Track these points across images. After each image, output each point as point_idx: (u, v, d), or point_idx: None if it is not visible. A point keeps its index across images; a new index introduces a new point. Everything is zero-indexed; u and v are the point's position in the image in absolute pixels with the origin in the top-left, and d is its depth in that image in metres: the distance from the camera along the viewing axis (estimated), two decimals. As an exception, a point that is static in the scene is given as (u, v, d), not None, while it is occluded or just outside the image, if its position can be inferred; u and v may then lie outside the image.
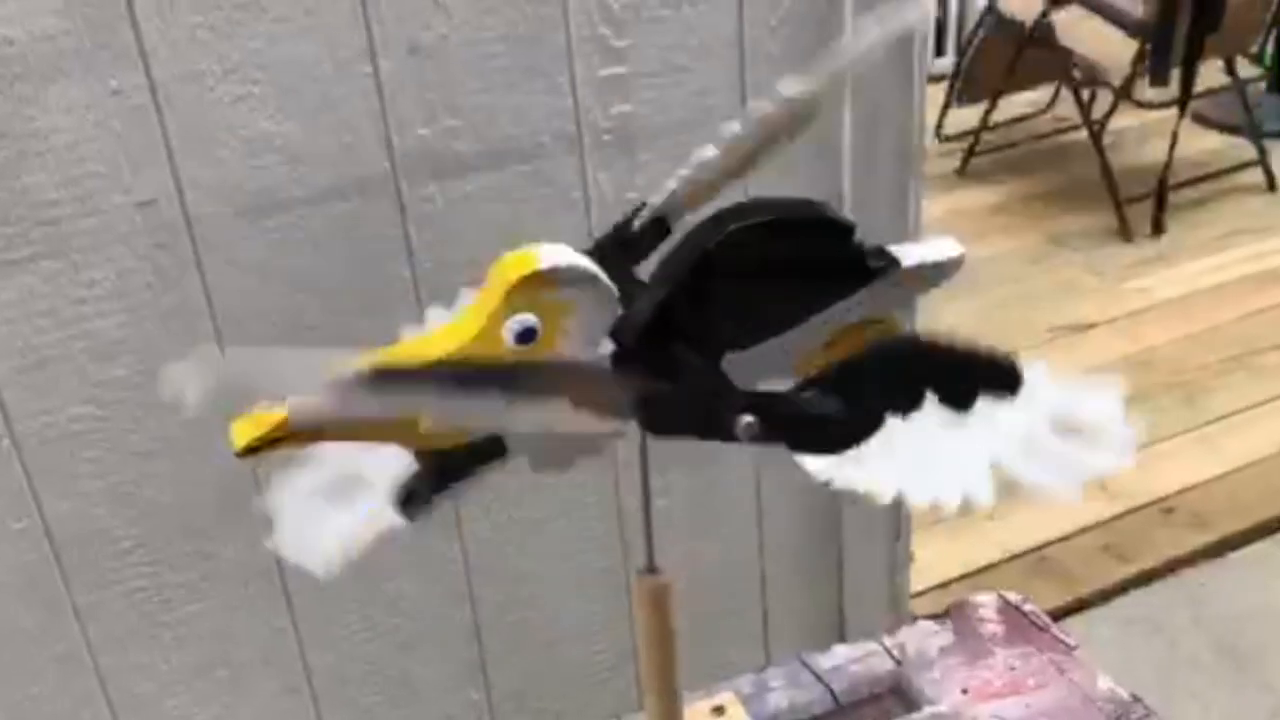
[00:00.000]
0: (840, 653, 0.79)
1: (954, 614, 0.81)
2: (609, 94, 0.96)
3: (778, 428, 0.46)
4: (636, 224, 0.49)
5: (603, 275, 0.44)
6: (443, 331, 0.44)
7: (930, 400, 0.46)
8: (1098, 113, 2.89)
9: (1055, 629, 0.79)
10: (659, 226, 0.49)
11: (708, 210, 0.47)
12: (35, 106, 0.80)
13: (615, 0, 0.93)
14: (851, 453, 0.46)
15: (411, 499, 0.48)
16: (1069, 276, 2.73)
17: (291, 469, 0.49)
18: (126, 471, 0.93)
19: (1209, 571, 1.82)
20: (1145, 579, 1.80)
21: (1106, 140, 2.89)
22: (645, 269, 0.48)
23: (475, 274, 0.45)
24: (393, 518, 0.48)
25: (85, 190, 0.84)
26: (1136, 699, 0.73)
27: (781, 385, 0.47)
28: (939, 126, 3.27)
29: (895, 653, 0.78)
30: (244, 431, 0.43)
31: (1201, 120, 3.29)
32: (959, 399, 0.46)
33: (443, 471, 0.47)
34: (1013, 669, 0.76)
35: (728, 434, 0.46)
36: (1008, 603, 0.82)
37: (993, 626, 0.80)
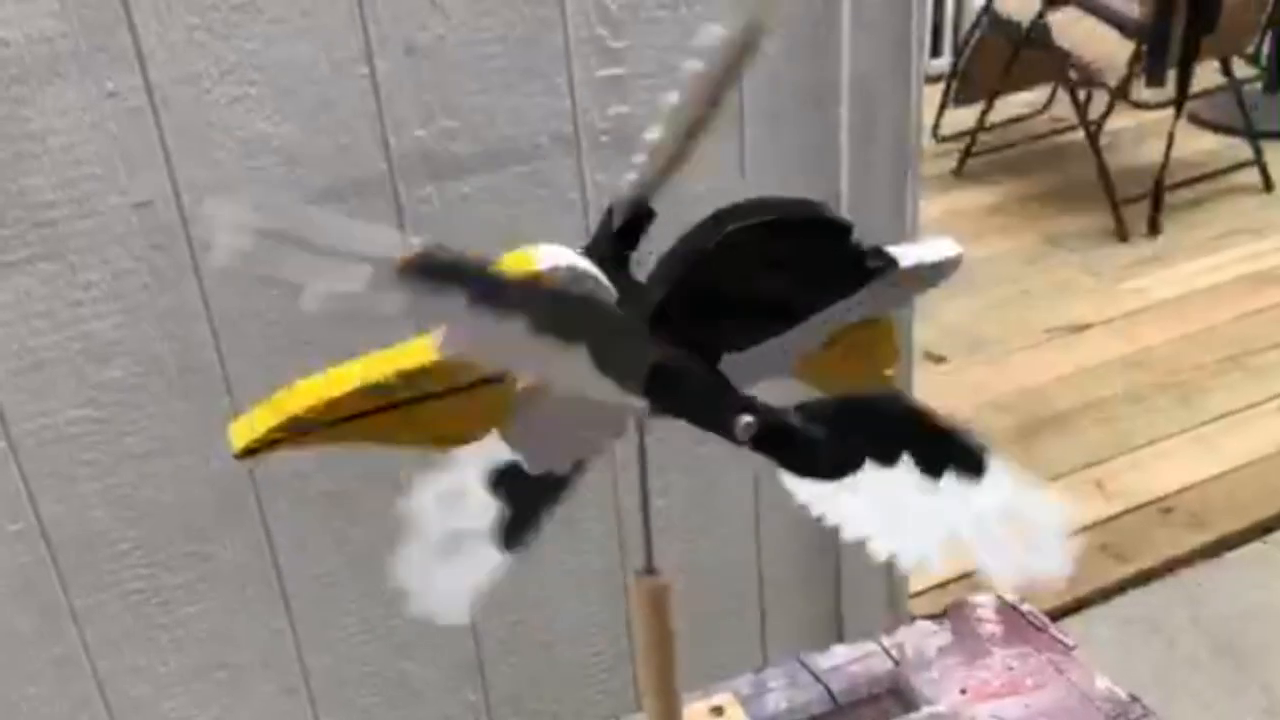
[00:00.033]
0: (839, 653, 0.79)
1: (952, 614, 0.81)
2: (606, 95, 0.96)
3: (772, 436, 0.46)
4: (616, 222, 0.49)
5: (601, 276, 0.44)
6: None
7: (906, 462, 0.48)
8: (1094, 113, 2.89)
9: (1053, 629, 0.79)
10: (639, 209, 0.48)
11: (703, 208, 0.46)
12: (32, 108, 0.80)
13: (613, 1, 0.93)
14: (830, 486, 0.48)
15: (510, 538, 0.53)
16: (1065, 277, 2.73)
17: (404, 537, 0.54)
18: (124, 473, 0.93)
19: (1207, 571, 1.82)
20: (1143, 579, 1.80)
21: (1103, 141, 2.90)
22: (643, 273, 0.48)
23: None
24: (501, 558, 0.53)
25: (82, 192, 0.84)
26: (1135, 699, 0.73)
27: (780, 383, 0.48)
28: (935, 127, 3.27)
29: (893, 653, 0.78)
30: (242, 433, 0.42)
31: (1197, 121, 3.29)
32: (932, 467, 0.49)
33: (527, 510, 0.53)
34: (1011, 669, 0.76)
35: (727, 431, 0.46)
36: (1006, 603, 0.82)
37: (991, 626, 0.80)
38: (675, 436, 0.49)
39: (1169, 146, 2.81)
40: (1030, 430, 2.17)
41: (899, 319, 0.52)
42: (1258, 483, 1.98)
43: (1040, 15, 2.83)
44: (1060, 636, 0.79)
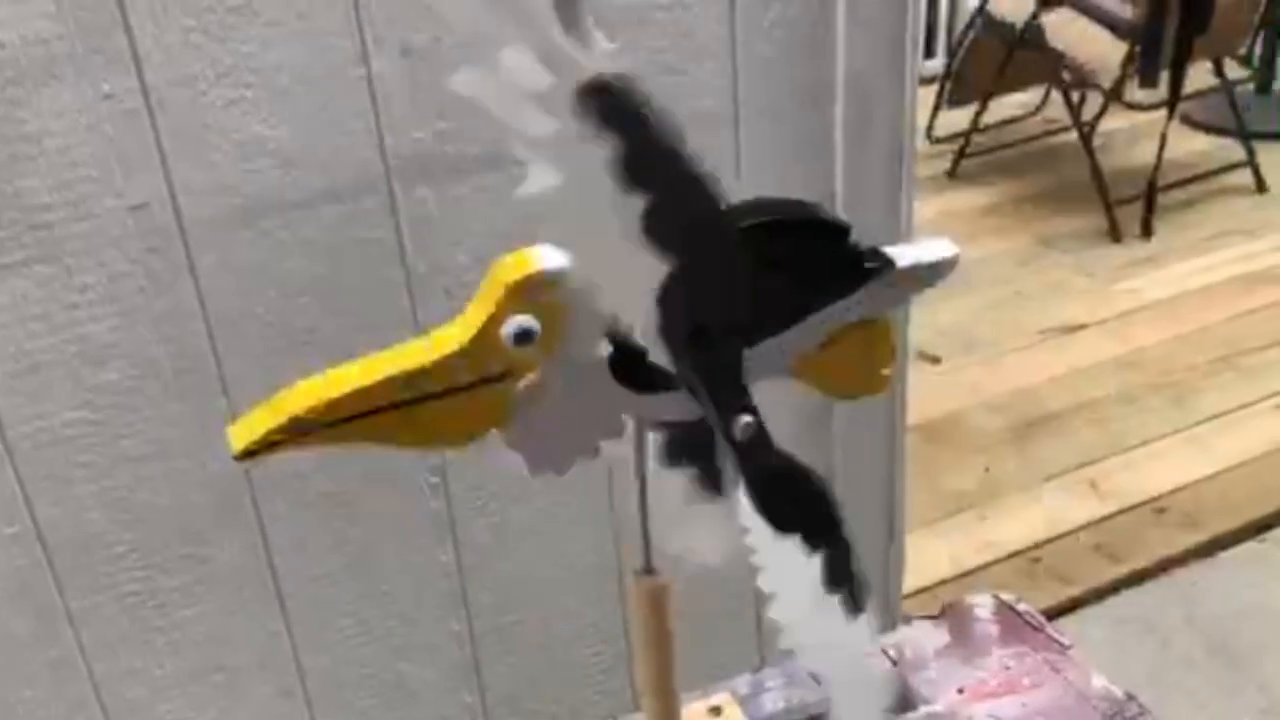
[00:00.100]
0: (836, 653, 0.79)
1: (949, 614, 0.82)
2: (602, 96, 0.96)
3: (760, 449, 0.47)
4: None
5: (600, 276, 0.44)
6: (441, 332, 0.44)
7: (818, 562, 0.50)
8: (1087, 114, 2.90)
9: (1050, 629, 0.80)
10: None
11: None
12: (27, 110, 0.80)
13: (607, 2, 0.93)
14: (767, 534, 0.50)
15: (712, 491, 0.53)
16: (1059, 278, 2.74)
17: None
18: (120, 476, 0.93)
19: (1201, 571, 1.83)
20: (1137, 579, 1.81)
21: (1096, 142, 2.90)
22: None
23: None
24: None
25: (78, 194, 0.84)
26: (1131, 697, 0.73)
27: (773, 380, 0.48)
28: (929, 128, 3.28)
29: (891, 653, 0.79)
30: (241, 434, 0.43)
31: (1190, 122, 3.31)
32: (834, 581, 0.51)
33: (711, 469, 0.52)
34: (1008, 668, 0.76)
35: (725, 427, 0.46)
36: (1003, 603, 0.82)
37: (988, 626, 0.80)
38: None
39: (1162, 147, 2.81)
40: (1024, 431, 2.18)
41: (892, 318, 0.53)
42: (1251, 482, 1.99)
43: (1034, 16, 2.84)
44: (1057, 636, 0.79)
